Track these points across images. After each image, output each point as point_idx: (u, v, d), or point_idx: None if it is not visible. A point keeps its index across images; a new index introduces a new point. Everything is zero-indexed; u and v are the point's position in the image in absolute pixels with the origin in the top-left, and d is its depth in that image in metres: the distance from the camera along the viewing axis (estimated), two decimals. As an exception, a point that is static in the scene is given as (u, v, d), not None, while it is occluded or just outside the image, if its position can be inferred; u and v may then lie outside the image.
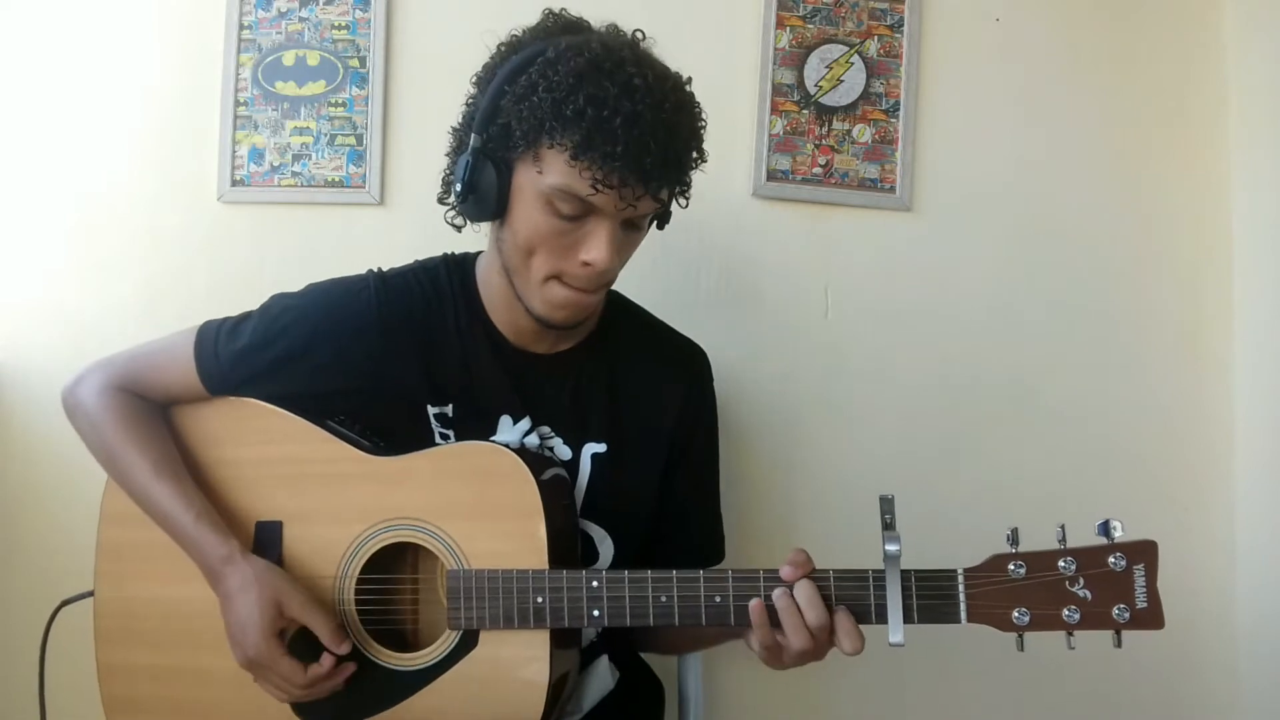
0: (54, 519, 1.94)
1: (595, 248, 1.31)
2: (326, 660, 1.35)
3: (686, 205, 1.47)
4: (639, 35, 1.39)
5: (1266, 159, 1.97)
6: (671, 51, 1.41)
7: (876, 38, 2.02)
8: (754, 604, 1.27)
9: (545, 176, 1.29)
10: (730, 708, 1.99)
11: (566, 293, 1.37)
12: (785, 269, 2.01)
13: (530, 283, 1.38)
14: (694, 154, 1.36)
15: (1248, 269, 2.01)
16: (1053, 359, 2.04)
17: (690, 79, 1.38)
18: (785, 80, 2.00)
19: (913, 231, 2.03)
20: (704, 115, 1.38)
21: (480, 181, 1.36)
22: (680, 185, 1.39)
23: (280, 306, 1.50)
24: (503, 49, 1.40)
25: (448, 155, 1.45)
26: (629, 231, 1.36)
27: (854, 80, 2.01)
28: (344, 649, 1.36)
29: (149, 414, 1.49)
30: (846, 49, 2.01)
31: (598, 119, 1.24)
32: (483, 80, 1.40)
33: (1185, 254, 2.05)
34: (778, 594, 1.27)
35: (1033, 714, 2.00)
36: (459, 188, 1.36)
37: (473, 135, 1.35)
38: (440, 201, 1.46)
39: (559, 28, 1.39)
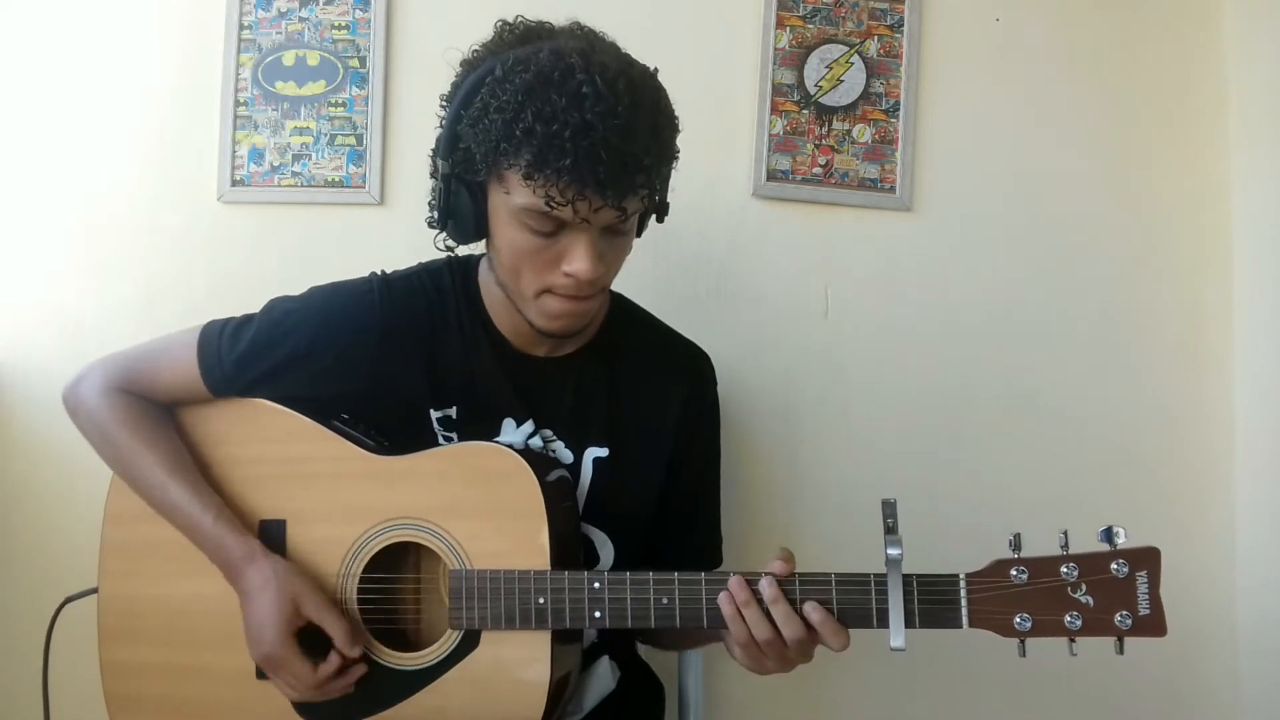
0: (54, 519, 1.94)
1: (576, 259, 1.29)
2: (334, 659, 1.36)
3: (662, 202, 1.43)
4: (586, 30, 1.37)
5: (1266, 159, 1.97)
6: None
7: (876, 38, 2.02)
8: (722, 597, 1.28)
9: (512, 197, 1.28)
10: (730, 708, 1.99)
11: (560, 304, 1.35)
12: (785, 269, 2.01)
13: (524, 299, 1.38)
14: (657, 152, 1.28)
15: (1248, 269, 2.01)
16: (1052, 359, 2.04)
17: (656, 70, 1.34)
18: (785, 80, 2.00)
19: (913, 231, 2.03)
20: (670, 108, 1.33)
21: (457, 207, 1.36)
22: (646, 188, 1.29)
23: (282, 310, 1.49)
24: (463, 66, 1.38)
25: (431, 177, 1.42)
26: (612, 237, 1.33)
27: (854, 80, 2.01)
28: (355, 652, 1.37)
29: (154, 414, 1.48)
30: (846, 49, 2.01)
31: (547, 134, 1.20)
32: (448, 101, 1.38)
33: (1185, 254, 2.05)
34: (734, 582, 1.28)
35: (1032, 714, 2.01)
36: (435, 215, 1.37)
37: (439, 161, 1.35)
38: (429, 225, 1.43)
39: (515, 39, 1.36)
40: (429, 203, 1.42)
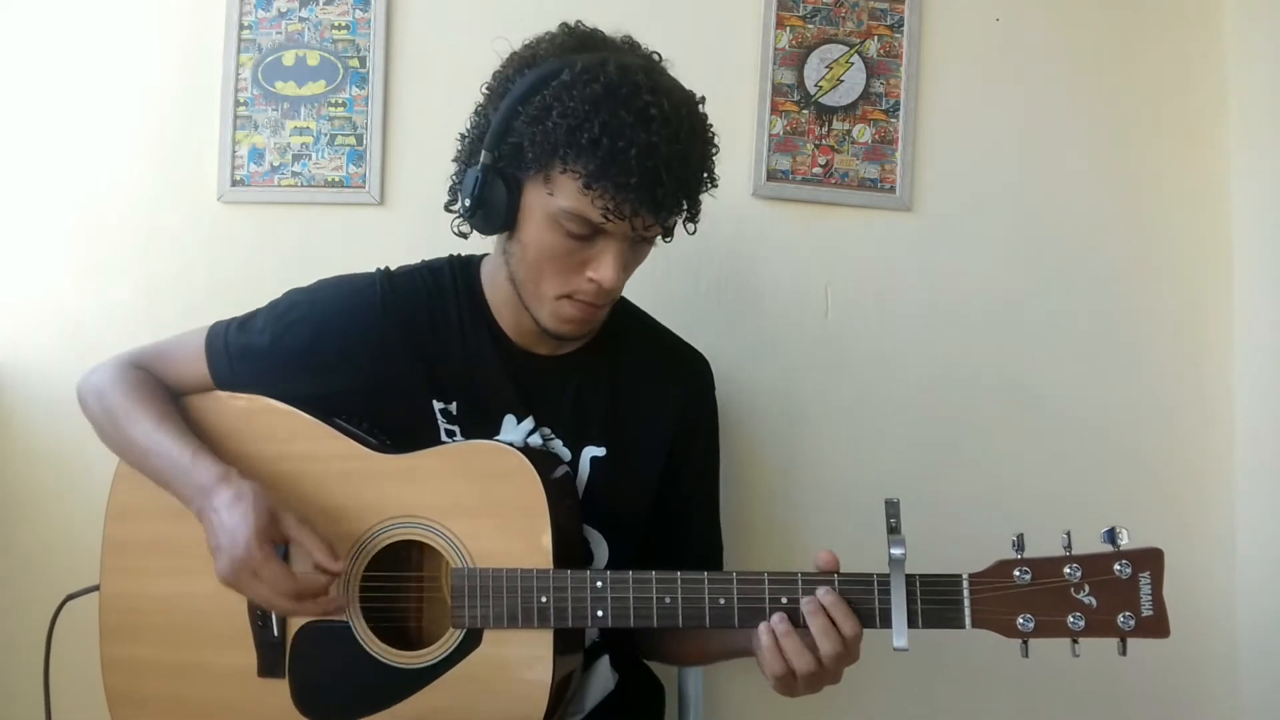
0: (54, 518, 1.94)
1: (604, 267, 1.33)
2: (319, 575, 1.33)
3: (693, 231, 1.47)
4: (655, 56, 1.40)
5: (1266, 159, 1.97)
6: (672, 51, 1.41)
7: (876, 38, 2.02)
8: (762, 628, 1.28)
9: (556, 199, 1.30)
10: (730, 708, 1.99)
11: (576, 310, 1.38)
12: (785, 269, 2.01)
13: (541, 299, 1.39)
14: (705, 178, 1.38)
15: (1248, 269, 2.01)
16: (1053, 359, 2.04)
17: (704, 99, 1.38)
18: (785, 80, 2.00)
19: (913, 231, 2.03)
20: (715, 137, 1.39)
21: (490, 197, 1.36)
22: (691, 209, 1.40)
23: (287, 303, 1.51)
24: (515, 61, 1.39)
25: (455, 162, 1.46)
26: (637, 247, 1.38)
27: (854, 80, 2.01)
28: (338, 566, 1.33)
29: (158, 384, 1.49)
30: (846, 49, 2.01)
31: (613, 149, 1.24)
32: (494, 93, 1.40)
33: (1185, 254, 2.05)
34: (804, 601, 1.27)
35: (1032, 714, 2.01)
36: (468, 202, 1.37)
37: (483, 151, 1.35)
38: (448, 208, 1.46)
39: (575, 43, 1.39)
40: (452, 187, 1.45)
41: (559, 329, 1.41)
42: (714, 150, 1.39)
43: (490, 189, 1.36)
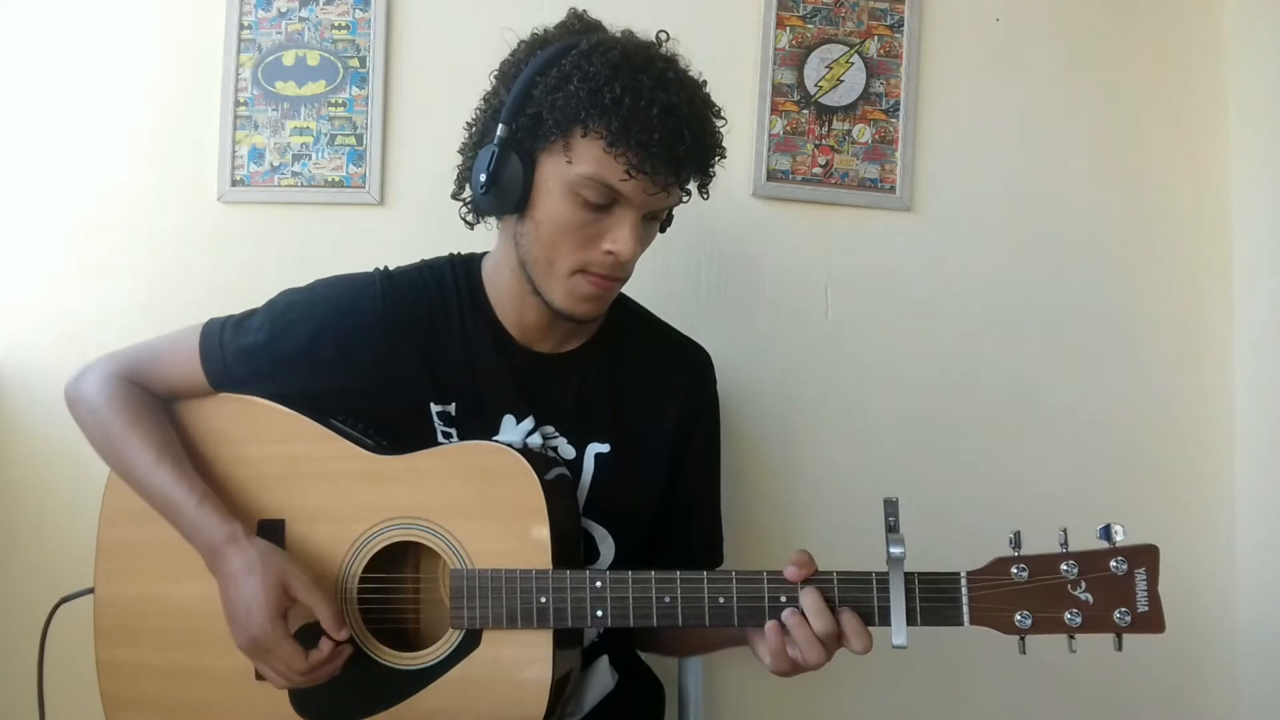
0: (53, 519, 1.93)
1: (620, 237, 1.35)
2: (325, 645, 1.35)
3: (707, 197, 1.48)
4: (663, 36, 1.43)
5: (1266, 159, 1.97)
6: (672, 51, 1.42)
7: (876, 38, 2.02)
8: (770, 626, 1.28)
9: (575, 166, 1.32)
10: (730, 708, 1.99)
11: (590, 286, 1.39)
12: (785, 269, 2.01)
13: (555, 276, 1.39)
14: (719, 143, 1.41)
15: (1248, 269, 2.01)
16: (1052, 358, 2.04)
17: (705, 81, 1.41)
18: (785, 80, 2.00)
19: (913, 231, 2.03)
20: (723, 113, 1.42)
21: (504, 173, 1.37)
22: (704, 177, 1.43)
23: (286, 302, 1.50)
24: (524, 45, 1.42)
25: (461, 151, 1.47)
26: (648, 223, 1.40)
27: (854, 80, 2.01)
28: (343, 635, 1.36)
29: (151, 404, 1.48)
30: (846, 49, 2.01)
31: (635, 108, 1.28)
32: (507, 74, 1.42)
33: (1185, 254, 2.05)
34: (787, 614, 1.27)
35: (1032, 714, 2.01)
36: (482, 178, 1.37)
37: (499, 126, 1.36)
38: (454, 197, 1.47)
39: (583, 27, 1.43)
40: (459, 176, 1.47)
41: (574, 309, 1.41)
42: (723, 122, 1.42)
43: (505, 165, 1.37)
